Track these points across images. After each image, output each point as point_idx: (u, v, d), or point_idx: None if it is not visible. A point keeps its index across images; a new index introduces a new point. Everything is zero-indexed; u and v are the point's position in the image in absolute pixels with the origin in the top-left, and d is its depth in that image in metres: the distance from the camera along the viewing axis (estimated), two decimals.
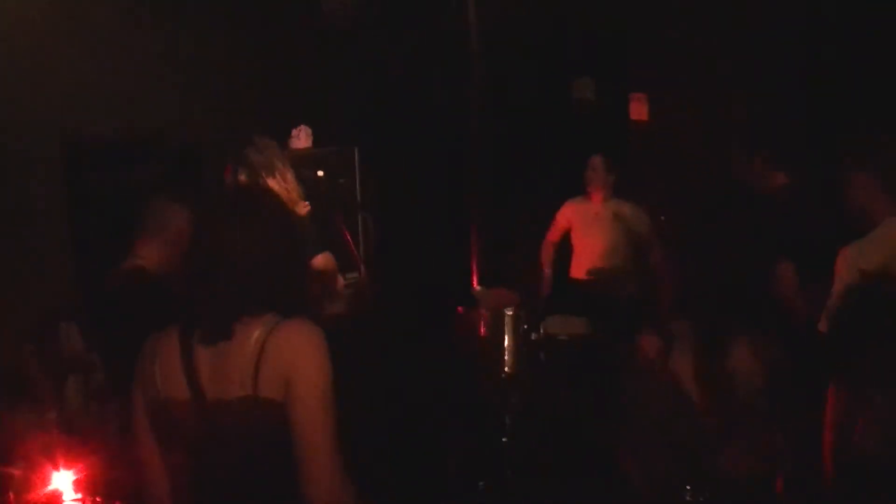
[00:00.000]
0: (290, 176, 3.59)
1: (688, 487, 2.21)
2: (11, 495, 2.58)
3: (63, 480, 2.57)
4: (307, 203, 3.66)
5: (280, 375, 1.93)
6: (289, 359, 1.94)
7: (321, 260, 3.67)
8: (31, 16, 4.57)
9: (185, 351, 1.99)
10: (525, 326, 4.28)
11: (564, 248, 5.71)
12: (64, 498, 2.56)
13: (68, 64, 4.71)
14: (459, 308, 4.60)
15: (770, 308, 2.53)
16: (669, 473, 2.25)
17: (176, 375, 1.99)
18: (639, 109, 6.20)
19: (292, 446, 1.93)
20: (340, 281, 3.93)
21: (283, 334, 1.96)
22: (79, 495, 2.56)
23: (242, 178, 3.51)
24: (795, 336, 2.65)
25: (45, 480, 2.57)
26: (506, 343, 4.25)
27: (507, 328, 4.24)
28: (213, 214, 2.11)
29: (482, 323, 4.34)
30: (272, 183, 3.47)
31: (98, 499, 2.58)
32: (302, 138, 5.46)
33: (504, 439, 4.12)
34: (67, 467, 2.59)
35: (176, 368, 1.99)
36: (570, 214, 5.64)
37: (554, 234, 5.72)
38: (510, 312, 4.25)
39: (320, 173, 4.28)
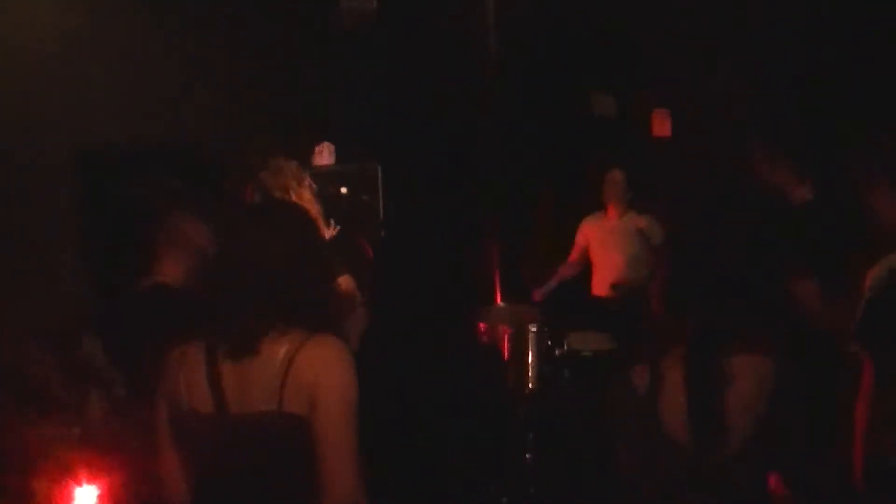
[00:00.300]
0: (307, 195, 3.57)
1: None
2: None
3: (86, 496, 2.56)
4: (335, 226, 3.62)
5: (306, 391, 1.93)
6: (316, 375, 1.94)
7: (342, 282, 3.65)
8: (43, 20, 4.55)
9: (210, 365, 2.00)
10: (549, 343, 4.26)
11: (586, 265, 5.66)
12: None
13: (83, 72, 4.69)
14: (481, 324, 4.59)
15: (784, 322, 2.44)
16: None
17: (201, 388, 2.00)
18: (662, 126, 6.15)
19: (314, 460, 1.93)
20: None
21: (310, 351, 1.96)
22: None
23: (259, 198, 3.50)
24: (812, 351, 2.58)
25: (69, 496, 2.57)
26: (529, 359, 4.23)
27: (531, 344, 4.23)
28: (237, 229, 2.12)
29: (506, 339, 4.33)
30: None
31: None
32: (325, 155, 5.42)
33: (527, 455, 4.10)
34: (90, 483, 2.58)
35: (201, 381, 2.00)
36: (587, 232, 5.59)
37: (575, 254, 5.66)
38: (534, 329, 4.24)
39: (344, 190, 4.26)
